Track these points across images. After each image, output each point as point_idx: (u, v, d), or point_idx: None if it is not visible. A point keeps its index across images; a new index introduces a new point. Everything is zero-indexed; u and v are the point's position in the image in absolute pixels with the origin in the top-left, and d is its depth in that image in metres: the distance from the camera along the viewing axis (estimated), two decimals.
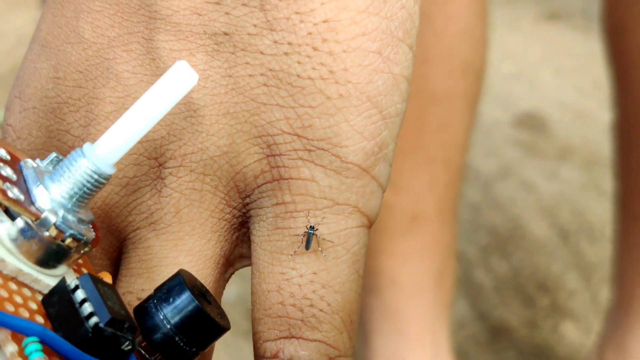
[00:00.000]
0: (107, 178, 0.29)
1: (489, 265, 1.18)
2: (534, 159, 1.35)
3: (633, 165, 0.84)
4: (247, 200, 0.32)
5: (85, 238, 0.28)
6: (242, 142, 0.31)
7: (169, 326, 0.29)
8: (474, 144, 1.33)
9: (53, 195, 0.28)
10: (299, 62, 0.30)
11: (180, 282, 0.29)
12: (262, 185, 0.32)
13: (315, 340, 0.31)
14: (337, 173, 0.31)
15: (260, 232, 0.32)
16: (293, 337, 0.31)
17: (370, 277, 0.88)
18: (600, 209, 1.25)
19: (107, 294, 0.27)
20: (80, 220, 0.29)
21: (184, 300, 0.29)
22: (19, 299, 0.27)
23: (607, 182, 1.22)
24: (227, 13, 0.30)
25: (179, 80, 0.28)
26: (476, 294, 1.14)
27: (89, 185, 0.28)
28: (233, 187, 0.32)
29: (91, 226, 0.30)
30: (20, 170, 0.29)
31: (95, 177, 0.28)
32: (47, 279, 0.28)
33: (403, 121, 0.82)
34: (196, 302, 0.29)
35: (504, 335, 1.08)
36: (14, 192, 0.28)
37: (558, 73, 1.53)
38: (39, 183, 0.28)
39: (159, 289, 0.29)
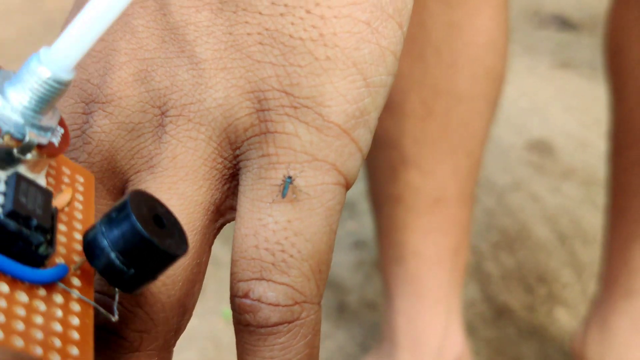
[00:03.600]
0: (65, 84, 0.23)
1: (497, 258, 1.17)
2: (541, 177, 1.33)
3: (623, 165, 0.83)
4: (237, 152, 0.30)
5: (28, 139, 0.23)
6: (236, 96, 0.29)
7: (105, 241, 0.23)
8: (492, 161, 1.34)
9: (7, 97, 0.23)
10: (292, 23, 0.28)
11: (125, 202, 0.23)
12: (250, 137, 0.29)
13: (283, 284, 0.28)
14: (319, 130, 0.28)
15: (246, 182, 0.29)
16: (263, 278, 0.28)
17: (395, 248, 0.86)
18: (594, 219, 1.23)
19: (29, 192, 0.22)
20: (39, 127, 0.23)
21: (124, 219, 0.23)
22: None
23: (601, 198, 1.21)
24: None
25: None
26: (485, 281, 1.13)
27: (43, 90, 0.23)
28: (225, 138, 0.29)
29: (60, 135, 0.25)
30: None
31: (50, 82, 0.23)
32: None
33: (432, 116, 0.83)
34: (136, 222, 0.23)
35: (507, 315, 1.08)
36: None
37: (565, 110, 1.51)
38: None
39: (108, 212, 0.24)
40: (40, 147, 0.24)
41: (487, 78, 0.80)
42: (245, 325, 0.28)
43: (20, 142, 0.23)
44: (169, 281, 0.29)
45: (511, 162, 1.37)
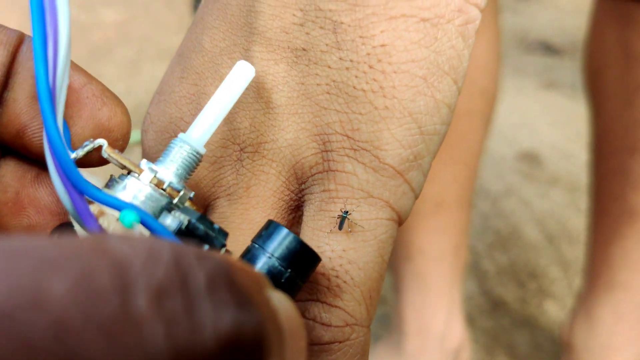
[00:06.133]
0: (202, 155, 0.27)
1: (493, 257, 1.17)
2: (530, 184, 1.33)
3: (603, 173, 0.84)
4: (303, 186, 0.30)
5: (183, 191, 0.25)
6: (304, 137, 0.29)
7: (264, 252, 0.25)
8: (486, 170, 1.34)
9: (163, 166, 0.26)
10: (356, 76, 0.28)
11: (276, 225, 0.25)
12: (315, 174, 0.29)
13: (336, 307, 0.28)
14: (375, 171, 0.28)
15: (308, 213, 0.29)
16: (318, 300, 0.28)
17: (403, 247, 0.87)
18: (577, 221, 1.23)
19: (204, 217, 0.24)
20: (186, 188, 0.26)
21: (276, 232, 0.25)
22: None
23: (584, 202, 1.21)
24: (307, 33, 0.29)
25: (241, 74, 0.27)
26: (482, 277, 1.13)
27: (187, 161, 0.26)
28: (293, 174, 0.30)
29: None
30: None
31: (193, 154, 0.26)
32: None
33: None
34: (294, 235, 0.25)
35: (501, 307, 1.08)
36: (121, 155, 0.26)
37: (551, 124, 1.51)
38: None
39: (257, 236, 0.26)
40: (190, 201, 0.26)
41: (482, 97, 0.82)
42: None
43: (178, 192, 0.25)
44: None
45: (503, 171, 1.37)
